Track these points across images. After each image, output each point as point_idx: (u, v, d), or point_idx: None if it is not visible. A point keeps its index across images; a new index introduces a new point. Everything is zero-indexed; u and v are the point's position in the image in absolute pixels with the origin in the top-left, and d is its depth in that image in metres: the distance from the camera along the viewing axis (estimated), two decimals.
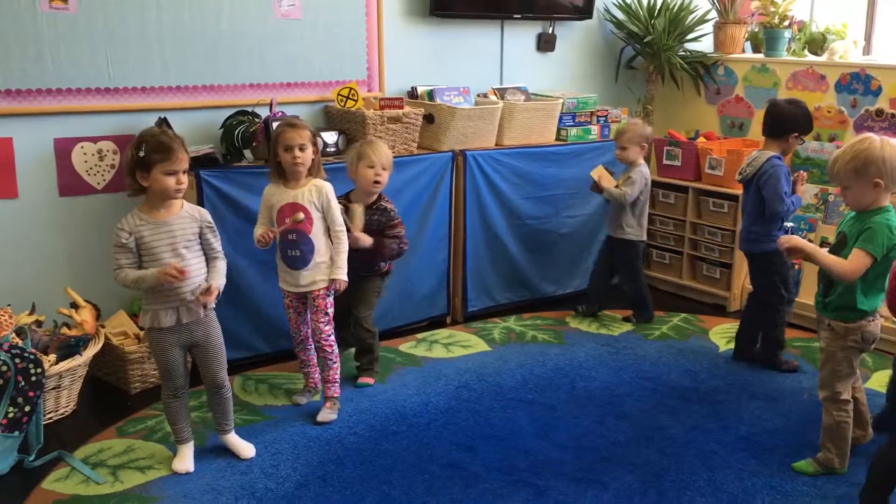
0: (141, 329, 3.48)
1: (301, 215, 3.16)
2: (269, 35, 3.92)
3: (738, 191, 4.30)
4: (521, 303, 4.54)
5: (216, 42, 3.80)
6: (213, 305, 2.87)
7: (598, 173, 4.23)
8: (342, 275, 3.22)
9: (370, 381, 3.60)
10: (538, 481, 2.85)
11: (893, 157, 2.64)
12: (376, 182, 3.44)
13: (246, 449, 3.02)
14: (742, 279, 4.52)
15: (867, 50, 4.81)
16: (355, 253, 3.35)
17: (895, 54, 4.54)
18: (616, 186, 4.20)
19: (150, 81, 3.68)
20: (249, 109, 3.83)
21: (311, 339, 3.34)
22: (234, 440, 3.04)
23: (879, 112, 4.24)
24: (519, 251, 4.46)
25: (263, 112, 3.78)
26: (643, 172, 4.20)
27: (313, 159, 3.18)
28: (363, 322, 3.57)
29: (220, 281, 2.85)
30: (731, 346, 4.00)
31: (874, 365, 3.76)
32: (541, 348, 4.01)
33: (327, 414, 3.28)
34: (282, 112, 3.78)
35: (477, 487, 2.82)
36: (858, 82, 4.32)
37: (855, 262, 2.67)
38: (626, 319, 4.38)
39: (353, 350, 3.67)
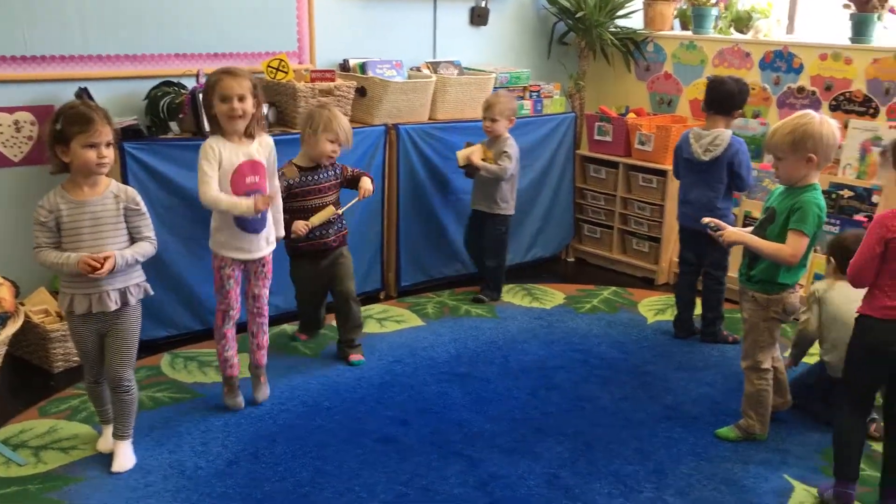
0: None
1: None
2: (197, 3, 3.81)
3: (668, 166, 4.39)
4: (455, 277, 4.55)
5: (140, 9, 3.67)
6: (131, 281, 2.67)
7: (465, 154, 4.06)
8: (282, 230, 3.23)
9: (362, 357, 3.60)
10: (472, 453, 2.88)
11: (830, 135, 2.72)
12: (332, 157, 3.44)
13: (121, 462, 2.73)
14: (669, 253, 4.62)
15: (790, 29, 4.93)
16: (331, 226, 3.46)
17: (816, 33, 4.67)
18: (483, 159, 4.07)
19: (69, 49, 3.53)
20: (175, 80, 3.72)
21: (238, 314, 3.13)
22: (121, 449, 2.75)
23: (801, 89, 4.37)
24: (452, 226, 4.46)
25: (190, 83, 3.68)
26: (515, 145, 4.13)
27: (254, 113, 2.91)
28: (355, 297, 3.57)
29: (127, 254, 2.59)
30: (660, 318, 4.10)
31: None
32: (474, 322, 4.04)
33: (265, 389, 3.22)
34: None
35: (411, 461, 2.83)
36: (781, 60, 4.44)
37: (794, 245, 2.75)
38: (476, 300, 4.28)
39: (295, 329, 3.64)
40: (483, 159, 4.07)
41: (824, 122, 2.74)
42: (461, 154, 4.08)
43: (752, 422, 2.98)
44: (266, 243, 3.08)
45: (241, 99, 2.85)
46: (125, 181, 3.41)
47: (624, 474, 2.77)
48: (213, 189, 2.87)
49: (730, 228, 2.96)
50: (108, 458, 2.78)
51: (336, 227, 3.52)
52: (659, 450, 2.91)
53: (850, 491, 2.55)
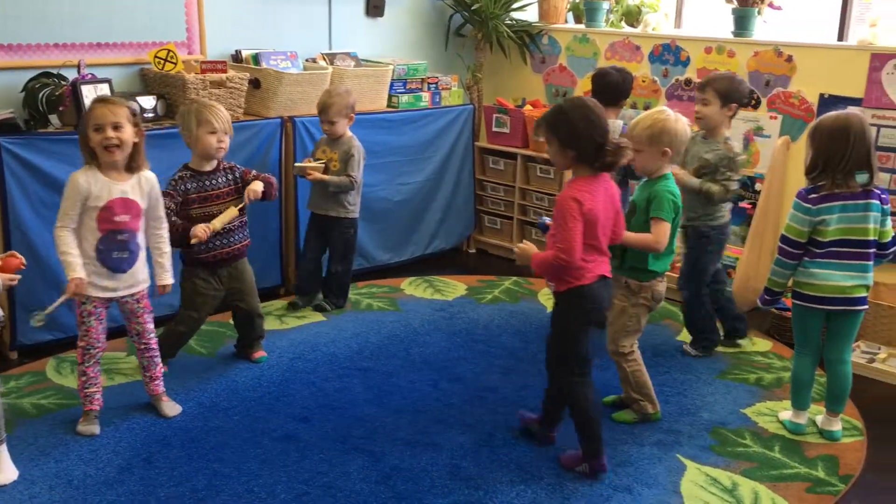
0: None
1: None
2: None
3: None
4: (357, 271, 4.50)
5: None
6: None
7: (301, 169, 3.81)
8: (170, 278, 2.97)
9: (265, 353, 3.53)
10: (374, 447, 2.86)
11: (682, 132, 2.95)
12: (220, 148, 3.24)
13: (5, 475, 2.59)
14: None
15: (678, 23, 5.08)
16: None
17: (702, 27, 4.83)
18: (325, 162, 3.84)
19: None
20: (55, 71, 3.54)
21: (103, 351, 2.90)
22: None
23: (688, 81, 4.51)
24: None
25: (71, 74, 3.51)
26: (359, 146, 3.89)
27: (135, 143, 2.75)
28: (260, 312, 3.50)
29: None
30: None
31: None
32: (376, 316, 4.01)
33: (175, 406, 3.06)
34: (91, 74, 3.52)
35: (312, 458, 2.79)
36: (669, 53, 4.58)
37: (656, 231, 2.88)
38: (316, 307, 4.03)
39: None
40: (325, 162, 3.84)
41: (678, 119, 2.94)
42: (296, 172, 3.85)
43: (642, 402, 3.06)
44: (136, 281, 2.87)
45: (117, 127, 2.68)
46: (1, 178, 3.23)
47: (525, 462, 2.81)
48: (64, 230, 2.72)
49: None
50: None
51: (240, 236, 3.35)
52: (559, 435, 2.96)
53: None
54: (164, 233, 2.94)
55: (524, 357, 3.61)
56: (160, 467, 2.71)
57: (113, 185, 2.75)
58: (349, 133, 3.90)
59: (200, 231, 3.16)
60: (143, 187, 2.82)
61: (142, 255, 2.87)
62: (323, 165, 3.85)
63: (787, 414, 3.12)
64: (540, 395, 3.24)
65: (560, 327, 2.72)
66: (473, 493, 2.62)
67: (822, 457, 2.88)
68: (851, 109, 3.44)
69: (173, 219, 3.12)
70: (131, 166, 2.78)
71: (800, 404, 3.06)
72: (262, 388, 3.27)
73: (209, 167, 3.28)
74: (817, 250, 2.88)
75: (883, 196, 2.89)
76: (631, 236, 2.87)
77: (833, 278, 2.87)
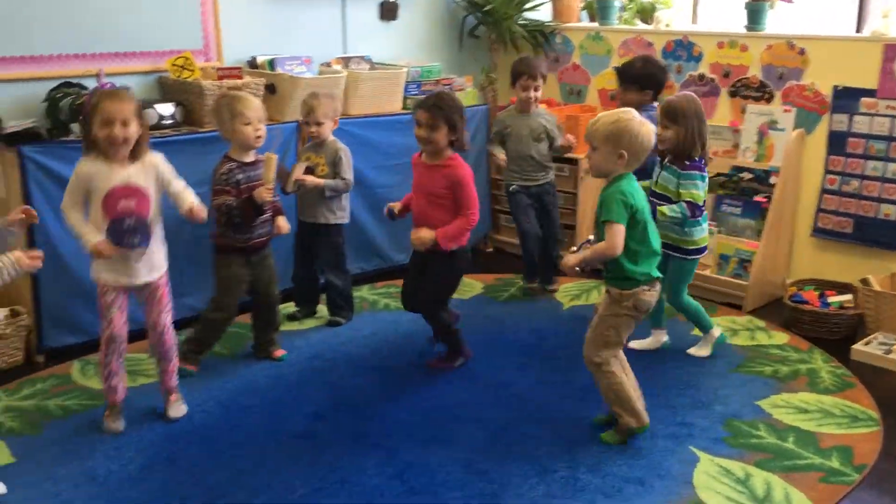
0: None
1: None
2: (97, 1, 3.71)
3: (580, 155, 4.48)
4: (374, 272, 4.57)
5: (38, 8, 3.57)
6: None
7: (295, 177, 3.66)
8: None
9: (285, 351, 3.60)
10: (389, 443, 2.91)
11: (644, 137, 2.71)
12: (258, 138, 3.30)
13: None
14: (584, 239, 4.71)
15: (694, 19, 5.08)
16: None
17: (718, 22, 4.83)
18: (311, 167, 3.75)
19: None
20: (75, 81, 3.63)
21: (126, 343, 2.96)
22: None
23: (701, 76, 4.52)
24: (369, 220, 4.47)
25: (91, 84, 3.60)
26: (346, 148, 3.82)
27: (139, 137, 2.78)
28: (279, 300, 3.55)
29: None
30: (575, 303, 4.20)
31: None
32: (393, 316, 4.06)
33: (180, 407, 3.10)
34: (111, 83, 3.61)
35: (328, 455, 2.84)
36: (682, 49, 4.58)
37: (609, 236, 2.70)
38: (330, 323, 3.93)
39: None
40: (311, 167, 3.74)
41: (643, 124, 2.73)
42: (295, 179, 3.65)
43: (625, 418, 2.87)
44: (148, 269, 2.90)
45: (125, 123, 2.72)
46: (25, 186, 3.33)
47: (538, 456, 2.83)
48: (68, 209, 2.81)
49: (567, 256, 2.85)
50: (14, 468, 2.72)
51: (270, 226, 3.43)
52: (571, 430, 2.99)
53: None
54: (192, 196, 2.95)
55: (539, 354, 3.64)
56: (182, 465, 2.78)
57: (114, 172, 2.78)
58: (332, 136, 3.84)
59: (265, 193, 3.24)
60: (147, 171, 2.84)
61: (156, 240, 2.89)
62: (305, 167, 3.73)
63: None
64: (555, 390, 3.29)
65: (450, 279, 3.44)
66: (487, 487, 2.66)
67: (836, 447, 2.88)
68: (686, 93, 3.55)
69: (235, 212, 3.24)
70: (133, 155, 2.81)
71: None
72: (280, 387, 3.33)
73: (250, 158, 3.34)
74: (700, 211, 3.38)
75: None
76: (592, 250, 2.76)
77: (706, 231, 3.46)
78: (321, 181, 3.74)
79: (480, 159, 4.94)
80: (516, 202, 4.23)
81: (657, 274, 2.85)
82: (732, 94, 4.42)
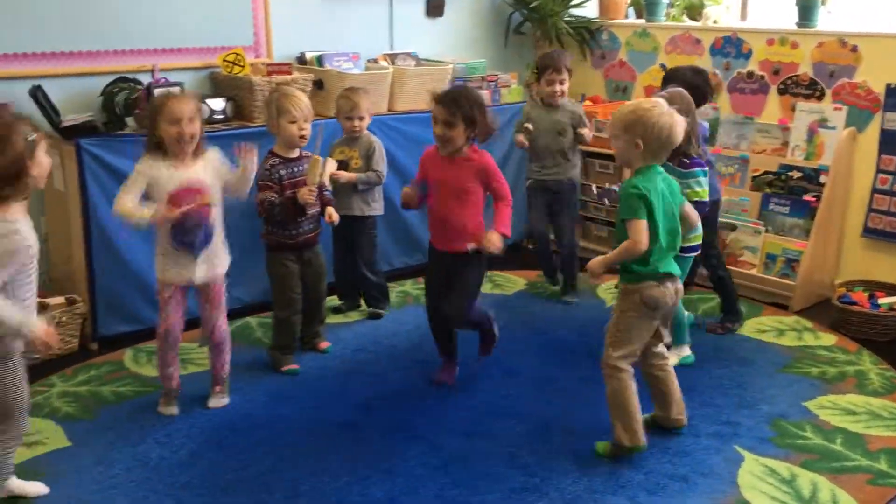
0: None
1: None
2: None
3: None
4: (418, 266, 4.60)
5: (94, 5, 3.67)
6: None
7: (331, 172, 3.67)
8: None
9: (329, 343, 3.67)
10: (432, 436, 2.94)
11: (664, 127, 2.60)
12: (302, 137, 3.35)
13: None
14: None
15: (744, 15, 5.03)
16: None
17: (768, 19, 4.77)
18: (344, 161, 3.80)
19: (22, 47, 3.53)
20: (130, 76, 3.73)
21: (180, 337, 3.07)
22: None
23: (750, 74, 4.47)
24: (413, 215, 4.49)
25: (145, 78, 3.69)
26: (379, 141, 3.87)
27: (200, 135, 2.93)
28: (325, 297, 3.60)
29: None
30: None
31: (749, 313, 3.97)
32: None
33: (221, 398, 3.17)
34: (165, 79, 3.70)
35: (372, 445, 2.88)
36: (731, 46, 4.54)
37: (631, 233, 2.62)
38: (371, 315, 4.00)
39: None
40: (344, 161, 3.80)
41: (664, 115, 2.61)
42: (320, 179, 3.40)
43: (618, 431, 2.74)
44: (208, 267, 2.99)
45: (191, 120, 2.86)
46: (82, 178, 3.42)
47: (580, 450, 2.84)
48: (122, 196, 2.86)
49: (592, 261, 2.74)
50: (71, 451, 2.82)
51: (319, 222, 3.47)
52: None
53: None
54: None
55: (582, 350, 3.64)
56: (229, 451, 2.84)
57: (179, 173, 2.89)
58: (366, 130, 3.89)
59: (306, 194, 3.28)
60: (207, 168, 2.96)
61: (217, 239, 3.00)
62: (337, 163, 3.78)
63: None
64: (598, 387, 3.27)
65: (480, 276, 3.30)
66: (529, 480, 2.68)
67: (885, 450, 2.84)
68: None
69: (276, 210, 3.28)
70: (196, 153, 2.93)
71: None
72: (325, 378, 3.39)
73: (294, 154, 3.39)
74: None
75: None
76: (615, 252, 2.67)
77: (700, 230, 3.26)
78: (354, 175, 3.78)
79: (525, 156, 4.94)
80: (530, 200, 4.27)
81: (669, 269, 2.69)
82: (782, 92, 4.36)
